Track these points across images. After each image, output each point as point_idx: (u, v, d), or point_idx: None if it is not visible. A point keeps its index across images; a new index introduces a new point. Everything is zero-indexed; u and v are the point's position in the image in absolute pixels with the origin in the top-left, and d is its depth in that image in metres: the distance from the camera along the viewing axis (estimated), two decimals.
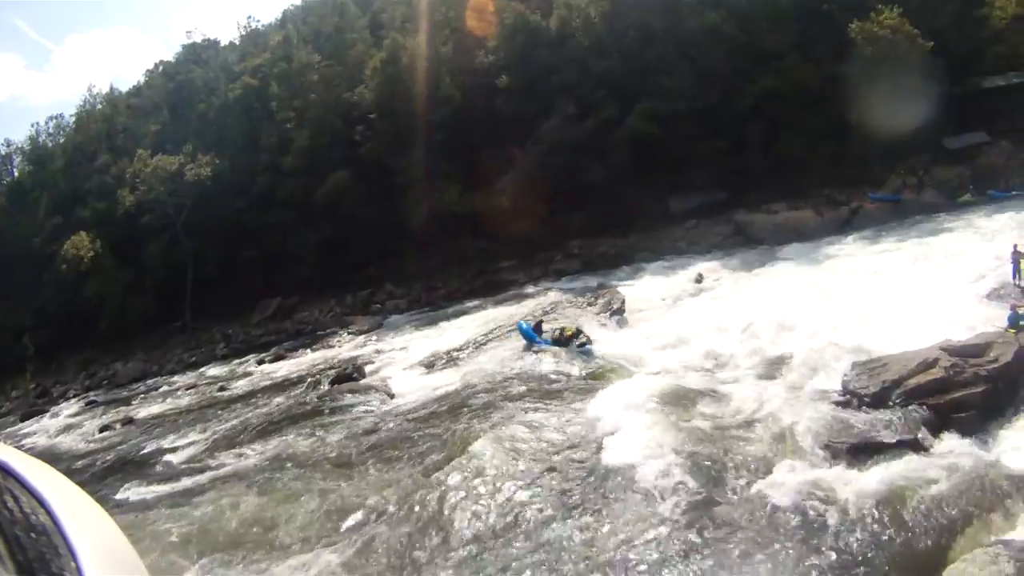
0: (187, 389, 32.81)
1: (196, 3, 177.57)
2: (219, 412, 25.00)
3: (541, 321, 23.50)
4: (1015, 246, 20.27)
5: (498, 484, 12.24)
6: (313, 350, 34.25)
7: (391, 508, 12.22)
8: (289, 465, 15.91)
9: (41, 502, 0.81)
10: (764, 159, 38.64)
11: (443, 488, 12.21)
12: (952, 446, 11.37)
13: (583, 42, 41.36)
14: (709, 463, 11.81)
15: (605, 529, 10.41)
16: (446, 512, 11.53)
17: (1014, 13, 39.31)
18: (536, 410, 16.08)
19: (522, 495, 11.78)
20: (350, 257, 41.85)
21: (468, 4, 44.46)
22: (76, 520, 0.80)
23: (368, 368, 26.15)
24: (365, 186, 41.39)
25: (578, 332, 21.30)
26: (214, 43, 60.19)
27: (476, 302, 34.74)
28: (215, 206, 45.72)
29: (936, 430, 11.80)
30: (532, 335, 22.10)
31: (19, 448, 0.95)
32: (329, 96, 44.26)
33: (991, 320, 16.36)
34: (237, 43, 59.81)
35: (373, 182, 41.13)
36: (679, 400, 15.02)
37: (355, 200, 41.50)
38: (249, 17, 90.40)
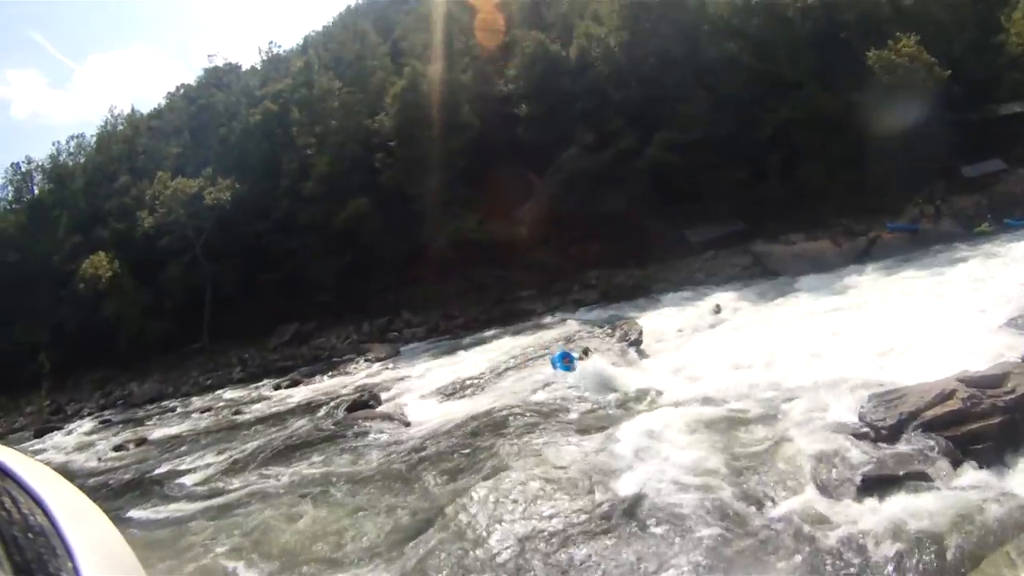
0: (202, 411, 32.94)
1: (217, 25, 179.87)
2: (234, 435, 25.05)
3: (587, 348, 23.41)
4: None
5: (527, 513, 12.21)
6: (329, 376, 34.36)
7: (413, 536, 12.12)
8: (306, 489, 15.94)
9: (39, 503, 0.81)
10: (782, 188, 38.54)
11: (465, 519, 12.18)
12: (969, 479, 11.20)
13: (602, 71, 41.58)
14: (730, 495, 11.76)
15: (634, 556, 10.39)
16: (471, 542, 11.48)
17: None
18: (557, 440, 16.10)
19: (553, 524, 11.68)
20: (369, 284, 42.02)
21: (476, 22, 44.83)
22: (74, 521, 0.81)
23: (384, 396, 26.07)
24: (384, 213, 41.61)
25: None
26: (235, 67, 60.81)
27: (494, 331, 34.72)
28: (235, 230, 46.10)
29: (953, 462, 11.61)
30: (555, 362, 22.03)
31: None
32: (349, 123, 44.62)
33: (1010, 349, 16.30)
34: (258, 68, 60.43)
35: (392, 209, 41.35)
36: (698, 431, 15.04)
37: (374, 227, 41.75)
38: (271, 42, 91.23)
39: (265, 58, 59.66)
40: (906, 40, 37.90)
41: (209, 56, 73.25)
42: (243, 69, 61.16)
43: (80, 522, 0.81)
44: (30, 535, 0.75)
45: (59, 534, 0.77)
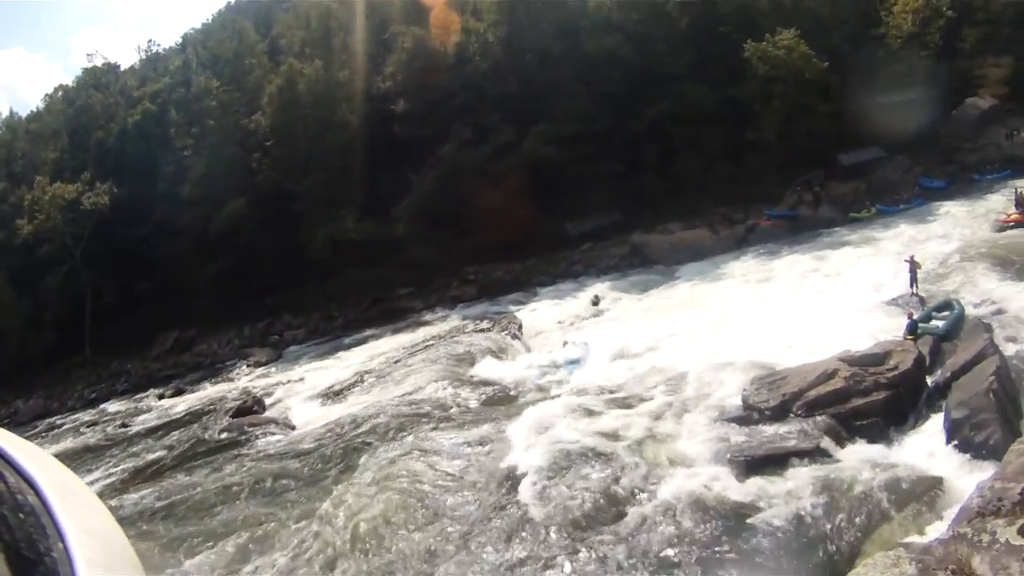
0: (89, 426, 32.00)
1: (98, 26, 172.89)
2: (122, 450, 24.56)
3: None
4: (911, 257, 20.91)
5: (401, 510, 12.34)
6: (212, 383, 33.80)
7: (292, 539, 12.33)
8: (189, 502, 15.79)
9: (30, 483, 0.79)
10: (661, 180, 38.98)
11: (344, 518, 12.27)
12: (855, 453, 11.63)
13: (480, 66, 41.44)
14: (609, 481, 12.01)
15: (519, 551, 10.52)
16: (348, 539, 11.61)
17: (909, 32, 40.17)
18: (439, 437, 16.13)
19: (424, 520, 11.92)
20: (248, 287, 41.16)
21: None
22: (65, 501, 0.78)
23: (268, 400, 25.97)
24: (262, 215, 40.77)
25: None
26: (114, 67, 58.38)
27: (374, 331, 34.55)
28: (113, 236, 44.65)
29: (839, 438, 12.07)
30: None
31: None
32: (227, 122, 43.50)
33: (890, 329, 16.74)
34: (137, 67, 58.41)
35: (270, 210, 40.52)
36: (579, 421, 15.15)
37: (253, 229, 40.84)
38: (150, 41, 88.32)
39: (144, 57, 57.81)
40: (785, 33, 38.49)
41: (88, 56, 70.34)
42: (122, 69, 58.98)
43: (71, 502, 0.80)
44: (20, 515, 0.75)
45: (50, 514, 0.76)
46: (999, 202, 29.96)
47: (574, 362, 21.11)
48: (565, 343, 22.81)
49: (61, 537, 0.73)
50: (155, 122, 47.71)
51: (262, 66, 45.98)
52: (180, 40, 59.92)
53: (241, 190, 41.89)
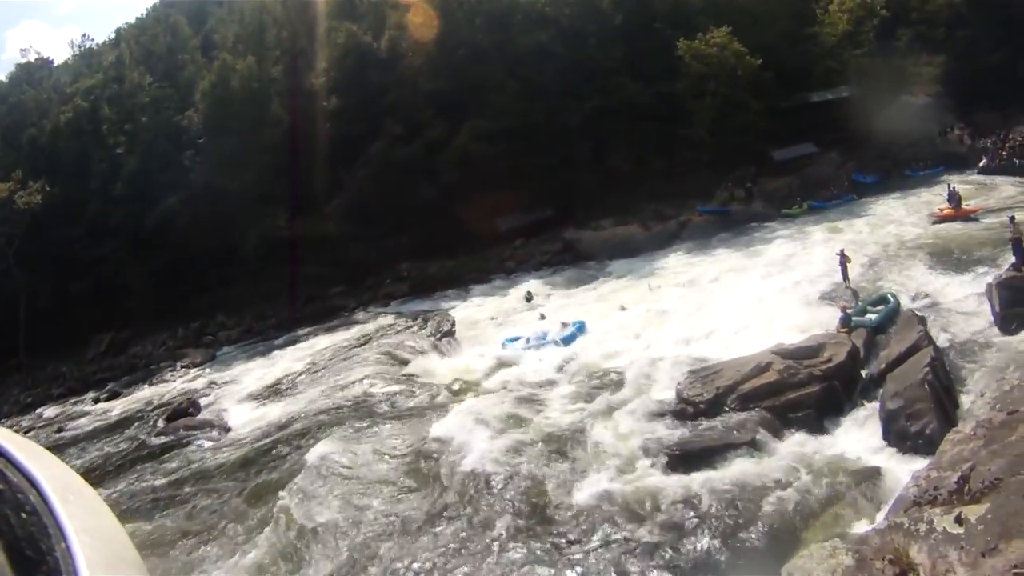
0: (26, 432, 31.52)
1: (33, 20, 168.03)
2: (58, 456, 24.08)
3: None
4: (842, 251, 21.32)
5: (336, 509, 12.56)
6: (149, 385, 33.69)
7: (232, 541, 12.54)
8: (125, 508, 15.74)
9: (32, 482, 0.79)
10: (593, 176, 39.17)
11: (279, 519, 12.40)
12: (791, 445, 11.80)
13: (413, 62, 41.31)
14: (544, 477, 12.27)
15: (453, 541, 10.79)
16: (285, 539, 11.81)
17: (844, 31, 40.65)
18: (371, 436, 16.43)
19: (359, 517, 12.12)
20: (182, 287, 40.85)
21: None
22: (67, 501, 0.78)
23: (203, 402, 26.05)
24: (195, 213, 40.24)
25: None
26: (48, 63, 57.37)
27: (307, 330, 34.56)
28: (46, 236, 43.83)
29: (774, 431, 12.21)
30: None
31: None
32: (160, 119, 42.98)
33: (823, 323, 17.02)
34: (71, 63, 57.31)
35: (203, 209, 39.99)
36: (514, 417, 15.49)
37: (186, 228, 40.37)
38: (84, 36, 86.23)
39: (77, 52, 56.72)
40: (718, 31, 38.77)
41: (22, 51, 68.89)
42: (56, 64, 57.89)
43: (73, 502, 0.80)
44: (22, 514, 0.74)
45: (52, 513, 0.76)
46: (932, 197, 30.47)
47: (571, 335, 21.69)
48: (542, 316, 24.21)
49: (63, 537, 0.74)
50: (88, 119, 46.93)
51: (195, 62, 45.49)
52: (114, 35, 58.80)
53: (174, 188, 41.39)
